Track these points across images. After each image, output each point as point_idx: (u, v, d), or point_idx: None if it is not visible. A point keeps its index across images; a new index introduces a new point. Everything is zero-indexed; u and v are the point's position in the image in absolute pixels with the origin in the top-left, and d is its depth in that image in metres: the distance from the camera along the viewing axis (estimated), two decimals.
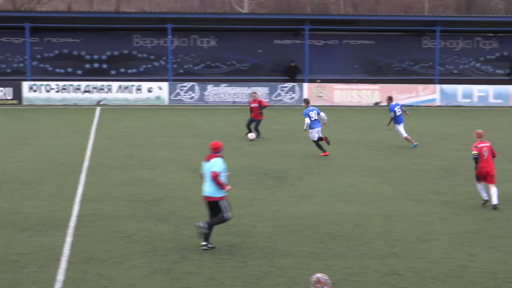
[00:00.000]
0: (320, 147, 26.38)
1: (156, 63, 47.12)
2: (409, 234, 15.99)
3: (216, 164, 14.61)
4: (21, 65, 45.60)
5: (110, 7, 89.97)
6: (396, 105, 28.77)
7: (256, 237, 15.60)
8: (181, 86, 43.71)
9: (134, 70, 46.90)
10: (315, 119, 26.43)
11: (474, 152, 18.66)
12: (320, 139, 26.30)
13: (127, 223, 16.56)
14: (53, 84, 42.85)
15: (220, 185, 14.59)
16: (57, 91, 42.82)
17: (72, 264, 13.62)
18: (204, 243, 14.72)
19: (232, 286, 12.64)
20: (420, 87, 45.15)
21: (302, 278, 13.02)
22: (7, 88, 42.28)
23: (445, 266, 13.82)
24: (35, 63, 45.70)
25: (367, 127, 33.97)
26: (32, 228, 16.06)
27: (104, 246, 14.75)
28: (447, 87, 45.18)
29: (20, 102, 42.36)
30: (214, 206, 14.81)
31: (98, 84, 43.35)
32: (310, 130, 26.38)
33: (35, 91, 42.65)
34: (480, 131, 19.17)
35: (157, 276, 13.05)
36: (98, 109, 40.22)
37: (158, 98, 43.53)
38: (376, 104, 44.42)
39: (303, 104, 27.83)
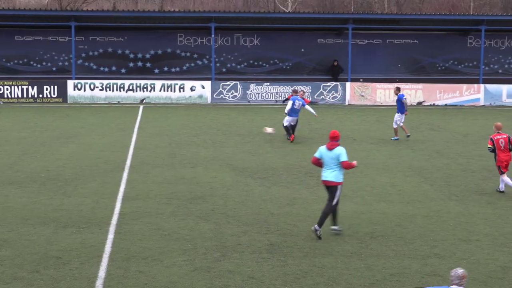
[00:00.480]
0: (288, 131, 28.99)
1: (199, 62, 47.29)
2: (451, 235, 15.85)
3: (343, 153, 15.61)
4: (66, 63, 46.10)
5: (154, 6, 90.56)
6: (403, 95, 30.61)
7: (296, 236, 15.58)
8: (224, 85, 43.85)
9: (177, 69, 47.13)
10: (296, 109, 28.81)
11: (489, 146, 20.06)
12: (288, 127, 28.96)
13: (168, 221, 16.64)
14: (97, 82, 43.29)
15: (351, 167, 15.79)
16: (101, 90, 43.25)
17: (114, 261, 13.71)
18: (335, 227, 15.83)
19: (272, 285, 12.63)
20: (464, 86, 44.74)
21: (342, 277, 12.99)
22: (52, 86, 42.82)
23: (487, 267, 13.67)
24: (80, 61, 46.18)
25: (410, 126, 33.73)
26: (74, 225, 16.21)
27: (145, 244, 14.83)
28: (492, 87, 44.69)
29: (64, 100, 42.85)
30: (331, 189, 15.74)
31: (142, 82, 43.67)
32: (288, 117, 28.84)
33: (79, 89, 43.12)
34: (499, 123, 20.39)
35: (197, 274, 13.09)
36: (141, 108, 40.51)
37: (200, 96, 43.71)
38: (419, 103, 44.10)
39: (292, 93, 30.26)
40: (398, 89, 31.01)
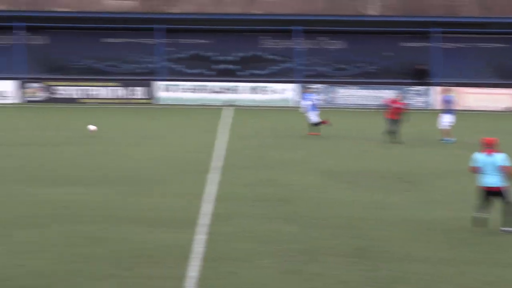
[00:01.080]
0: (317, 126, 31.03)
1: (284, 65, 47.41)
2: None
3: (505, 159, 16.16)
4: (154, 65, 46.77)
5: (239, 8, 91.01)
6: None
7: (384, 241, 15.43)
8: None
9: (263, 72, 47.33)
10: (314, 104, 31.14)
11: None
12: (318, 123, 31.20)
13: (257, 223, 16.70)
14: (184, 84, 43.81)
15: None
16: (188, 91, 43.76)
17: (204, 261, 13.81)
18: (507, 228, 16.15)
19: None
20: None
21: (433, 284, 12.79)
22: (140, 88, 43.54)
23: None
24: (167, 63, 46.79)
25: (503, 132, 33.13)
26: (165, 224, 16.41)
27: (234, 245, 14.90)
28: None
29: (152, 102, 43.49)
30: (496, 194, 16.16)
31: (228, 85, 44.01)
32: (310, 113, 30.90)
33: (167, 91, 43.71)
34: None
35: (287, 276, 13.09)
36: (227, 110, 40.78)
37: (285, 99, 43.78)
38: (509, 109, 43.28)
39: (304, 90, 32.51)
40: (447, 90, 31.22)
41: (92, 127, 29.66)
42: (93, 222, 16.40)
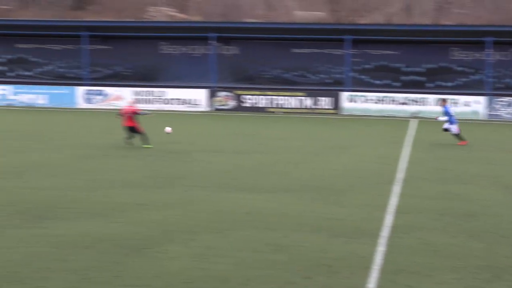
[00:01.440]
0: (459, 137, 31.96)
1: (473, 77, 46.31)
2: None
3: None
4: (341, 76, 47.05)
5: (428, 19, 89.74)
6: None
7: None
8: (500, 101, 42.58)
9: (451, 83, 46.46)
10: (453, 116, 32.04)
11: None
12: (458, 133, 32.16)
13: (438, 237, 16.45)
14: (370, 95, 43.78)
15: None
16: (374, 102, 43.70)
17: (383, 273, 13.77)
18: None
19: None
20: None
21: None
22: (327, 98, 43.94)
23: None
24: (354, 74, 46.92)
25: None
26: (345, 234, 16.49)
27: (414, 258, 14.76)
28: None
29: (338, 112, 43.77)
30: None
31: (415, 96, 43.55)
32: (451, 125, 31.69)
33: (353, 101, 43.86)
34: None
35: None
36: (413, 121, 40.35)
37: (474, 112, 42.75)
38: None
39: (441, 103, 32.86)
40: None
41: (168, 129, 30.25)
42: (275, 229, 16.75)
